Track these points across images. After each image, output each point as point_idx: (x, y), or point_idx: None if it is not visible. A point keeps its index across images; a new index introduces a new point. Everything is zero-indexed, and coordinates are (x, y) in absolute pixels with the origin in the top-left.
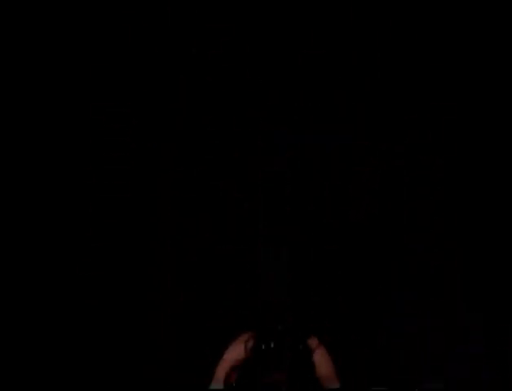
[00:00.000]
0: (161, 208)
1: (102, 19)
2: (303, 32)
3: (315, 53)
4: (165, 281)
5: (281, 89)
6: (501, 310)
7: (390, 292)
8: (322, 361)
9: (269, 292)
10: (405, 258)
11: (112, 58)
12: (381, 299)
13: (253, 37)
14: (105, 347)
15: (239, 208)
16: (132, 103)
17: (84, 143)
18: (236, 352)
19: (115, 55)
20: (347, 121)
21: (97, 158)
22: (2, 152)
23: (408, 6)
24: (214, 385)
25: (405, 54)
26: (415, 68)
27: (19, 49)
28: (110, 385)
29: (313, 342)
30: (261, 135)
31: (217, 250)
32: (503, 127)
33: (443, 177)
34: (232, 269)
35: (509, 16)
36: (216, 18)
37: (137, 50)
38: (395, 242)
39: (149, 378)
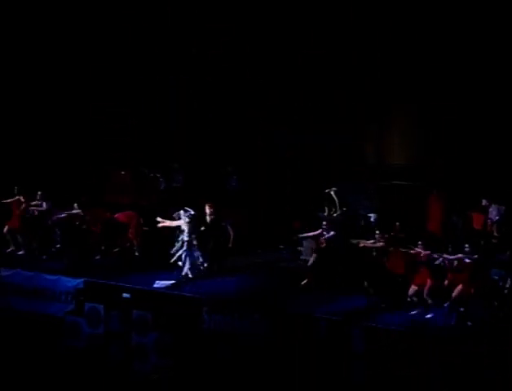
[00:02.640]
0: (161, 207)
1: (102, 20)
2: (303, 32)
3: (315, 53)
4: None
5: (281, 89)
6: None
7: (385, 292)
8: None
9: None
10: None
11: (113, 59)
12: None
13: (253, 37)
14: None
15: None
16: (132, 102)
17: (84, 143)
18: None
19: (115, 56)
20: (347, 121)
21: (96, 158)
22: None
23: (408, 7)
24: None
25: (405, 55)
26: (415, 68)
27: (22, 50)
28: None
29: None
30: (261, 135)
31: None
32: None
33: (442, 177)
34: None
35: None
36: (216, 18)
37: (137, 51)
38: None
39: None
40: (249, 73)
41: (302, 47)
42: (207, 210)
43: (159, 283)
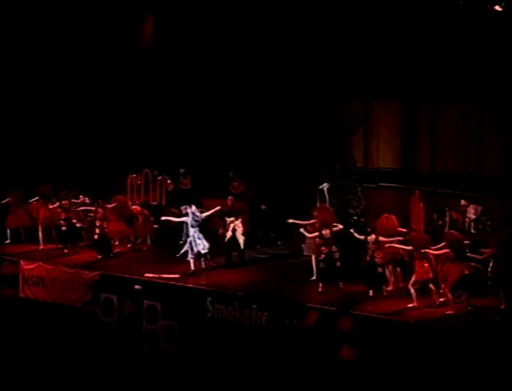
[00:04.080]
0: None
1: (105, 23)
2: (304, 32)
3: (314, 53)
4: None
5: (282, 89)
6: None
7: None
8: None
9: None
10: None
11: (114, 59)
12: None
13: (253, 40)
14: None
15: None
16: (132, 103)
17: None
18: None
19: (116, 57)
20: (336, 129)
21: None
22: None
23: (407, 12)
24: None
25: (405, 55)
26: (415, 69)
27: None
28: None
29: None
30: (259, 140)
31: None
32: None
33: (424, 179)
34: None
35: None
36: (216, 18)
37: (137, 51)
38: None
39: None
40: (249, 73)
41: (300, 51)
42: (229, 203)
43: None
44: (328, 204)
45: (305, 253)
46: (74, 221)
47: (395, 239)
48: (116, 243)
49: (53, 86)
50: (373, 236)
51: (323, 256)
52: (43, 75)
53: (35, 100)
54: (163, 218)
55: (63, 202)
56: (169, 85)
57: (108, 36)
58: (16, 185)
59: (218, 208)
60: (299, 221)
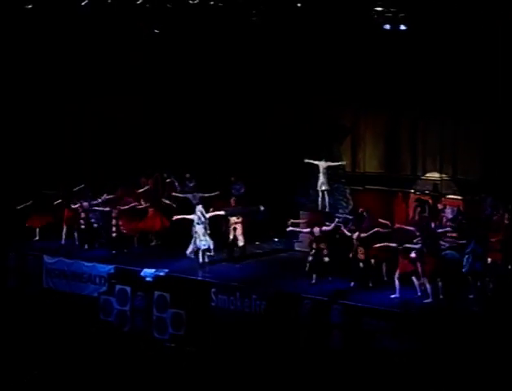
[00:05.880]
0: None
1: (104, 21)
2: (303, 35)
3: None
4: None
5: (282, 90)
6: None
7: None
8: None
9: None
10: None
11: (113, 59)
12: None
13: (254, 40)
14: None
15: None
16: (132, 103)
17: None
18: None
19: (116, 57)
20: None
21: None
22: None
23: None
24: None
25: (392, 72)
26: (399, 84)
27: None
28: None
29: None
30: (255, 151)
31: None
32: None
33: (407, 181)
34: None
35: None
36: (217, 21)
37: (137, 52)
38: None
39: None
40: (248, 75)
41: (300, 53)
42: (232, 203)
43: (145, 272)
44: (327, 203)
45: (296, 249)
46: (92, 220)
47: (375, 230)
48: (153, 242)
49: (53, 86)
50: (357, 233)
51: (312, 251)
52: (43, 75)
53: (35, 100)
54: (175, 218)
55: (83, 203)
56: (170, 85)
57: (108, 36)
58: (16, 185)
59: (222, 212)
60: (297, 221)
